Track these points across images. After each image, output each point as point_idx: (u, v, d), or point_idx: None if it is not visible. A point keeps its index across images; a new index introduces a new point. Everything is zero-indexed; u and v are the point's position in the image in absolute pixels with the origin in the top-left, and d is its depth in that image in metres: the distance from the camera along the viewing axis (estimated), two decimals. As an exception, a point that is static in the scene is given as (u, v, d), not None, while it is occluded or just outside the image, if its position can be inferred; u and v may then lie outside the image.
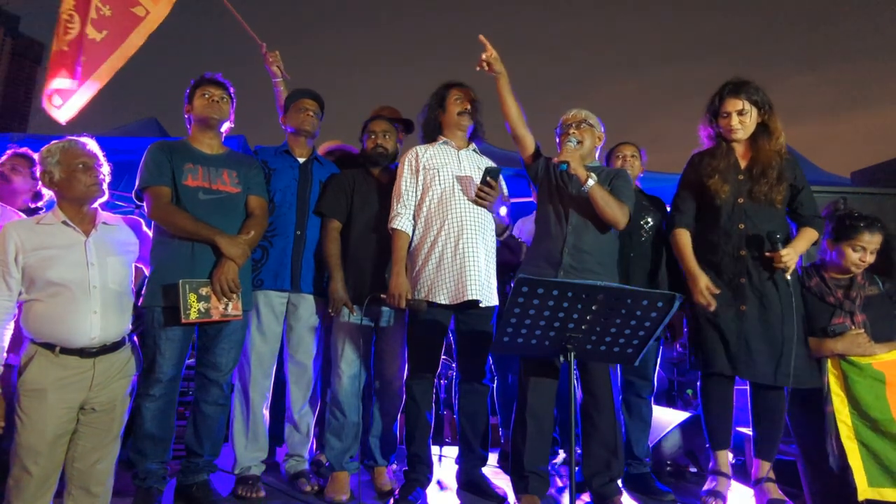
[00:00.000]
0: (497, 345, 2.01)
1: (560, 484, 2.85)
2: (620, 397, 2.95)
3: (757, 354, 2.44)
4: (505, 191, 2.83)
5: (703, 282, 2.50)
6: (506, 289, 2.90)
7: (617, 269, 2.65)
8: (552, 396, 2.54)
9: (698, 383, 2.67)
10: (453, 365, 4.02)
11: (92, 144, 2.16)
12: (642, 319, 1.92)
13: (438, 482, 2.83)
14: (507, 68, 2.57)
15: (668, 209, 2.90)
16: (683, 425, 3.14)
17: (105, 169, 2.16)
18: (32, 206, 2.71)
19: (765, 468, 2.50)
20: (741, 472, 3.03)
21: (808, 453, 2.53)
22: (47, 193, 2.54)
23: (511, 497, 2.53)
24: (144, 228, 2.37)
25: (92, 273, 2.04)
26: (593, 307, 1.89)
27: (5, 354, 1.99)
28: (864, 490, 2.27)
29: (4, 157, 2.66)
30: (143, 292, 2.32)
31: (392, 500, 2.47)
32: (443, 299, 2.51)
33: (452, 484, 2.76)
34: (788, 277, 2.44)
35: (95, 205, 2.16)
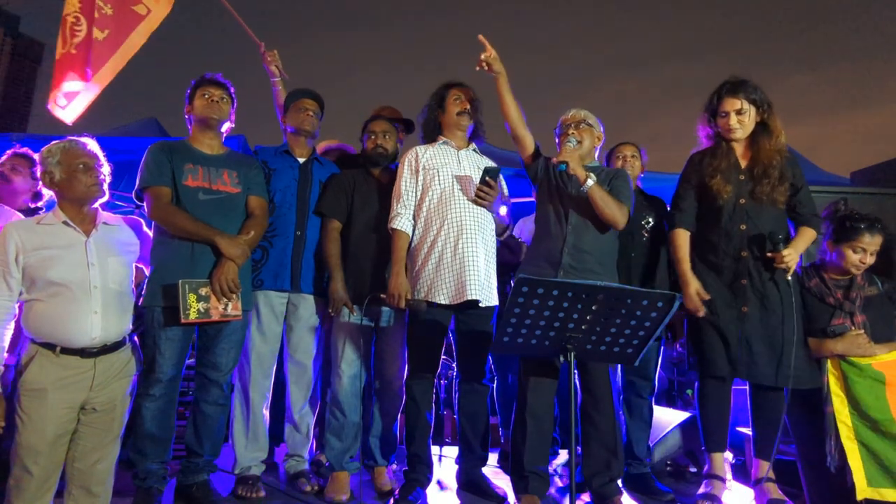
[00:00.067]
0: (497, 345, 2.02)
1: (560, 484, 2.85)
2: (621, 397, 2.95)
3: (758, 356, 2.44)
4: (505, 190, 2.83)
5: (693, 287, 2.50)
6: (506, 289, 2.90)
7: (617, 268, 2.65)
8: (552, 396, 2.54)
9: (696, 384, 2.67)
10: (453, 365, 4.02)
11: (92, 145, 2.16)
12: (642, 319, 1.93)
13: (438, 482, 2.83)
14: (506, 68, 2.57)
15: (669, 209, 2.89)
16: (683, 425, 3.14)
17: (105, 169, 2.16)
18: (32, 206, 2.71)
19: (764, 468, 2.50)
20: (741, 472, 3.03)
21: (807, 453, 2.53)
22: (47, 193, 2.54)
23: (511, 497, 2.53)
24: (145, 228, 2.37)
25: (92, 273, 2.04)
26: (593, 307, 1.89)
27: (5, 354, 1.99)
28: (862, 489, 2.27)
29: (4, 157, 2.66)
30: (142, 292, 2.32)
31: (392, 500, 2.47)
32: (442, 299, 2.51)
33: (452, 484, 2.76)
34: (789, 278, 2.44)
35: (96, 205, 2.16)
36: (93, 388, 2.03)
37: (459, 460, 2.73)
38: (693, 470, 3.13)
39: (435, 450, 3.02)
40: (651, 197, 3.08)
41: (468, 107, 2.71)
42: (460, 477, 2.72)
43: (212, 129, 2.52)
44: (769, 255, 2.44)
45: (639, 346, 2.01)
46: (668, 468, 3.15)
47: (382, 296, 2.52)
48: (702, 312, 2.51)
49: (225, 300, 2.31)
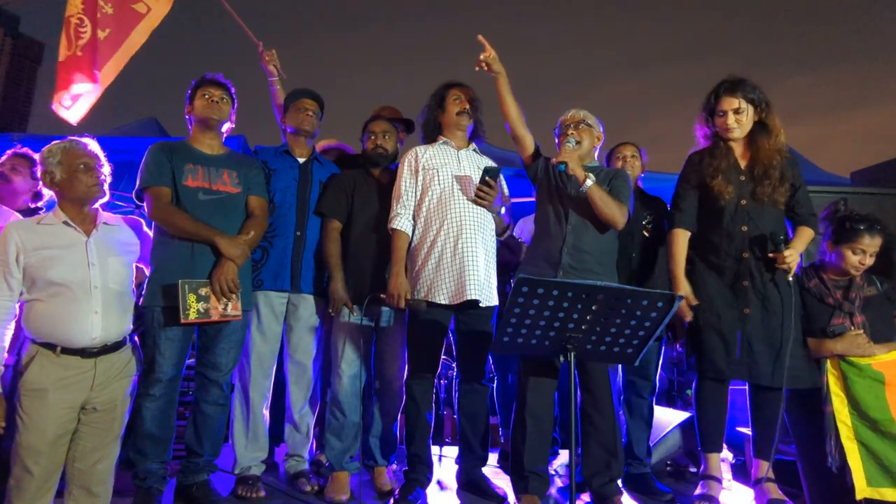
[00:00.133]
0: (497, 345, 2.02)
1: (560, 484, 2.86)
2: (622, 397, 2.96)
3: (758, 356, 2.43)
4: (505, 190, 2.83)
5: (683, 291, 2.50)
6: (506, 289, 2.90)
7: (617, 268, 2.65)
8: (552, 396, 2.54)
9: (694, 384, 2.66)
10: (453, 365, 4.02)
11: (93, 145, 2.16)
12: (642, 319, 1.93)
13: (438, 482, 2.83)
14: (506, 68, 2.57)
15: (669, 209, 2.89)
16: (683, 425, 3.14)
17: (106, 169, 2.16)
18: (32, 206, 2.71)
19: (764, 468, 2.50)
20: (741, 472, 3.04)
21: (807, 453, 2.53)
22: (47, 193, 2.54)
23: (511, 497, 2.53)
24: (145, 228, 2.38)
25: (93, 273, 2.04)
26: (593, 307, 1.89)
27: (5, 354, 1.99)
28: (862, 489, 2.28)
29: (4, 157, 2.66)
30: (143, 292, 2.32)
31: (392, 500, 2.48)
32: (442, 299, 2.51)
33: (452, 484, 2.76)
34: (790, 279, 2.44)
35: (96, 205, 2.17)
36: (93, 389, 2.03)
37: (459, 460, 2.73)
38: (693, 470, 3.13)
39: (435, 450, 3.02)
40: (651, 197, 3.09)
41: (467, 106, 2.71)
42: (460, 477, 2.72)
43: (212, 129, 2.52)
44: (771, 255, 2.43)
45: (639, 346, 2.01)
46: (668, 468, 3.16)
47: (382, 296, 2.52)
48: (689, 317, 2.53)
49: (225, 300, 2.31)
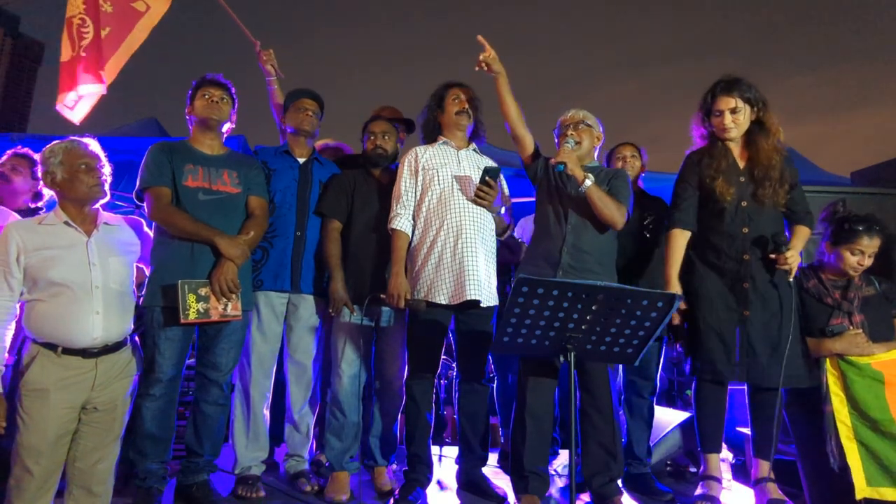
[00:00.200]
0: (497, 345, 2.02)
1: (560, 484, 2.86)
2: (623, 397, 2.96)
3: (758, 358, 2.43)
4: (506, 190, 2.83)
5: (674, 292, 2.49)
6: (506, 289, 2.90)
7: (617, 269, 2.65)
8: (551, 396, 2.54)
9: (693, 384, 2.65)
10: (453, 365, 4.02)
11: (94, 145, 2.16)
12: (642, 319, 1.93)
13: (438, 482, 2.83)
14: (506, 68, 2.57)
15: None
16: (683, 425, 3.14)
17: (107, 169, 2.16)
18: (33, 206, 2.71)
19: (764, 467, 2.50)
20: (741, 472, 3.03)
21: (807, 453, 2.53)
22: (47, 193, 2.54)
23: (511, 497, 2.53)
24: (146, 228, 2.38)
25: (94, 273, 2.04)
26: (593, 307, 1.89)
27: (6, 355, 1.99)
28: (861, 489, 2.28)
29: (5, 158, 2.66)
30: (143, 292, 2.32)
31: (392, 500, 2.48)
32: (442, 299, 2.51)
33: (452, 484, 2.76)
34: (791, 279, 2.44)
35: (97, 205, 2.17)
36: (94, 389, 2.03)
37: (459, 460, 2.73)
38: (693, 470, 3.13)
39: (435, 450, 3.02)
40: (652, 197, 3.08)
41: (466, 106, 2.71)
42: (460, 477, 2.73)
43: (212, 129, 2.52)
44: (772, 256, 2.42)
45: (639, 346, 2.01)
46: (668, 468, 3.15)
47: (382, 296, 2.52)
48: (677, 321, 2.54)
49: (224, 300, 2.31)
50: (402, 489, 2.52)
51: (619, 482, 2.50)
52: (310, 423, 2.79)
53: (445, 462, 3.20)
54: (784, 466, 2.65)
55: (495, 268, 2.68)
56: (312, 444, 2.86)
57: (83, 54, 3.33)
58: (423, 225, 2.62)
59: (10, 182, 2.62)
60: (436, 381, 2.93)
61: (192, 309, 2.24)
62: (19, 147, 2.75)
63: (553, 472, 2.91)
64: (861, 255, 2.46)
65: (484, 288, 2.53)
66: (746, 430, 2.82)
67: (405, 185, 2.66)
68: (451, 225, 2.55)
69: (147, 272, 2.37)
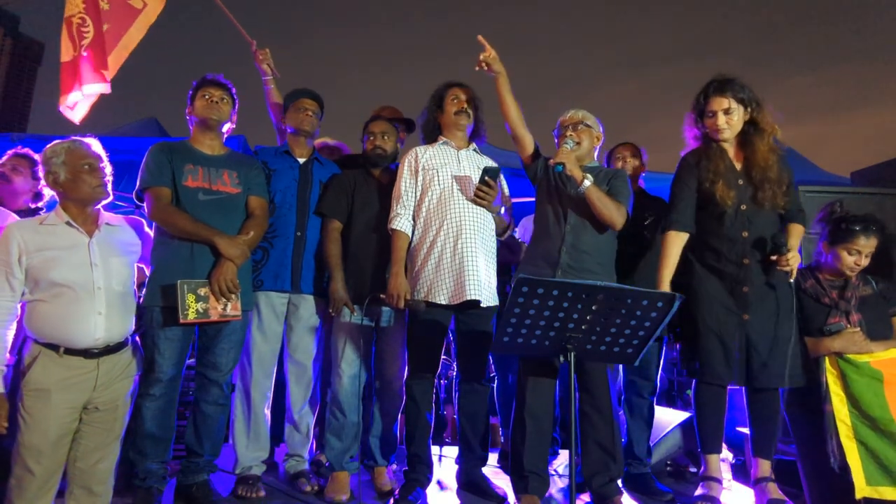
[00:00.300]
0: (497, 345, 2.02)
1: (561, 484, 2.86)
2: (623, 397, 2.96)
3: (757, 360, 2.43)
4: (506, 190, 2.83)
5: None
6: (506, 289, 2.90)
7: (617, 269, 2.65)
8: (551, 396, 2.54)
9: (693, 385, 2.65)
10: (453, 365, 4.02)
11: (96, 145, 2.17)
12: (642, 319, 1.93)
13: (438, 482, 2.83)
14: (506, 68, 2.57)
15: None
16: (683, 425, 3.14)
17: (108, 169, 2.17)
18: (33, 206, 2.71)
19: (764, 467, 2.49)
20: (741, 472, 3.04)
21: (807, 453, 2.53)
22: (47, 194, 2.54)
23: (511, 497, 2.53)
24: (146, 229, 2.38)
25: (96, 274, 2.05)
26: (593, 307, 1.89)
27: (7, 355, 1.99)
28: (861, 488, 2.28)
29: (5, 158, 2.66)
30: (142, 292, 2.32)
31: (392, 500, 2.48)
32: (442, 299, 2.51)
33: (452, 484, 2.77)
34: (791, 280, 2.44)
35: (99, 206, 2.17)
36: (96, 389, 2.03)
37: (459, 460, 2.73)
38: (693, 470, 3.13)
39: (435, 450, 3.03)
40: (653, 197, 3.08)
41: (465, 106, 2.71)
42: (460, 477, 2.73)
43: (212, 129, 2.52)
44: (773, 258, 2.41)
45: (639, 346, 2.01)
46: (668, 468, 3.16)
47: (382, 296, 2.52)
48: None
49: (224, 300, 2.31)
50: (402, 489, 2.53)
51: (619, 482, 2.50)
52: (310, 423, 2.79)
53: (445, 462, 3.20)
54: (784, 466, 2.65)
55: (495, 268, 2.67)
56: (312, 444, 2.87)
57: (84, 53, 3.31)
58: (423, 225, 2.62)
59: (11, 182, 2.62)
60: (436, 381, 2.93)
61: (192, 309, 2.24)
62: (19, 147, 2.75)
63: (553, 472, 2.91)
64: (858, 254, 2.47)
65: (484, 288, 2.53)
66: (746, 430, 2.82)
67: (405, 185, 2.66)
68: (451, 225, 2.56)
69: (147, 272, 2.37)
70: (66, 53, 3.37)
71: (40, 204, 2.72)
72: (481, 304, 2.52)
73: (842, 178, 5.16)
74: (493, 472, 2.94)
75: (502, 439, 3.28)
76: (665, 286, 2.48)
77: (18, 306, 2.02)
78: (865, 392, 2.34)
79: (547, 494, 2.52)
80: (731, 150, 2.57)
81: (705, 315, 2.49)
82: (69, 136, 2.17)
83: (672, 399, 4.69)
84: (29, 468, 1.93)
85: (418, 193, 2.66)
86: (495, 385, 3.29)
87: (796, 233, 2.54)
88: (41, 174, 2.12)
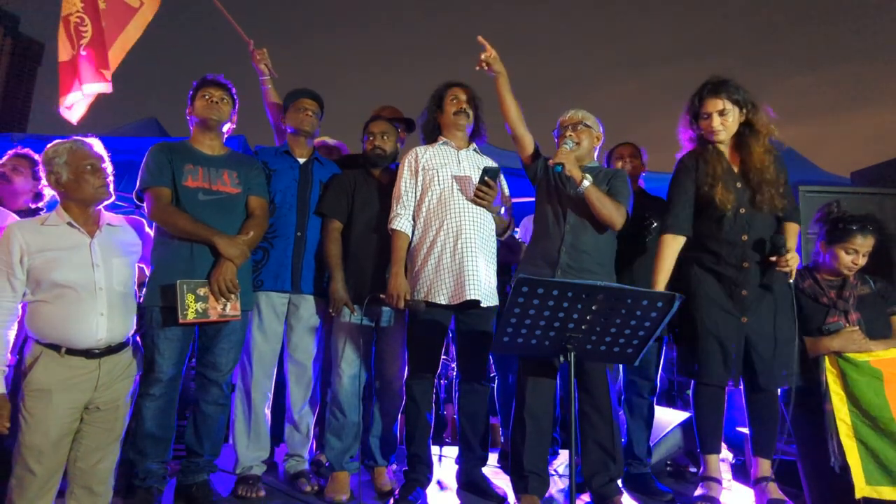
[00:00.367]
0: (497, 345, 2.02)
1: (561, 484, 2.86)
2: (623, 397, 2.96)
3: (755, 362, 2.43)
4: (506, 190, 2.83)
5: None
6: (506, 289, 2.90)
7: (618, 269, 2.64)
8: (551, 396, 2.54)
9: (692, 386, 2.65)
10: (453, 365, 4.02)
11: (98, 145, 2.16)
12: (642, 319, 1.93)
13: (438, 482, 2.83)
14: (506, 68, 2.57)
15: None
16: (683, 425, 3.14)
17: (110, 170, 2.17)
18: (33, 206, 2.71)
19: (764, 466, 2.50)
20: (741, 472, 3.04)
21: (808, 453, 2.53)
22: (47, 194, 2.54)
23: (511, 497, 2.53)
24: (147, 229, 2.38)
25: (97, 275, 2.05)
26: (593, 307, 1.89)
27: (9, 355, 1.99)
28: (861, 488, 2.28)
29: (5, 158, 2.66)
30: (143, 292, 2.32)
31: (392, 500, 2.48)
32: (442, 299, 2.51)
33: (452, 484, 2.77)
34: (791, 281, 2.44)
35: (100, 206, 2.17)
36: (97, 389, 2.04)
37: (459, 460, 2.73)
38: (693, 470, 3.13)
39: (435, 450, 3.03)
40: (653, 197, 3.08)
41: (464, 106, 2.71)
42: (460, 477, 2.73)
43: (211, 129, 2.52)
44: (772, 259, 2.41)
45: (639, 346, 2.01)
46: (668, 468, 3.16)
47: (382, 296, 2.52)
48: None
49: (223, 300, 2.31)
50: (402, 489, 2.53)
51: (619, 482, 2.50)
52: (310, 423, 2.79)
53: (445, 462, 3.20)
54: (784, 466, 2.65)
55: (495, 268, 2.67)
56: (312, 444, 2.87)
57: (83, 53, 3.29)
58: (423, 225, 2.62)
59: (11, 182, 2.62)
60: (436, 381, 2.93)
61: (191, 309, 2.24)
62: (20, 147, 2.75)
63: (553, 472, 2.91)
64: (855, 254, 2.48)
65: (484, 288, 2.53)
66: (746, 431, 2.83)
67: (405, 185, 2.66)
68: (451, 225, 2.56)
69: (148, 272, 2.37)
70: (65, 53, 3.34)
71: (40, 204, 2.72)
72: (481, 304, 2.53)
73: (842, 178, 5.16)
74: (493, 472, 2.94)
75: (502, 439, 3.28)
76: (660, 290, 2.47)
77: (19, 307, 2.02)
78: (865, 391, 2.35)
79: (547, 494, 2.52)
80: (726, 151, 2.56)
81: (704, 317, 2.48)
82: (70, 136, 2.17)
83: (672, 399, 4.69)
84: (30, 468, 1.93)
85: (418, 193, 2.66)
86: (495, 385, 3.29)
87: (792, 231, 2.54)
88: (43, 174, 2.12)
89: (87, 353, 2.01)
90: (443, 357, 2.89)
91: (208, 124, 2.50)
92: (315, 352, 2.76)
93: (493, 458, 3.09)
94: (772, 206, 2.46)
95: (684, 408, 4.07)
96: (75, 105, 3.33)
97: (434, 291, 2.53)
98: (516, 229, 3.50)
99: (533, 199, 2.79)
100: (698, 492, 2.52)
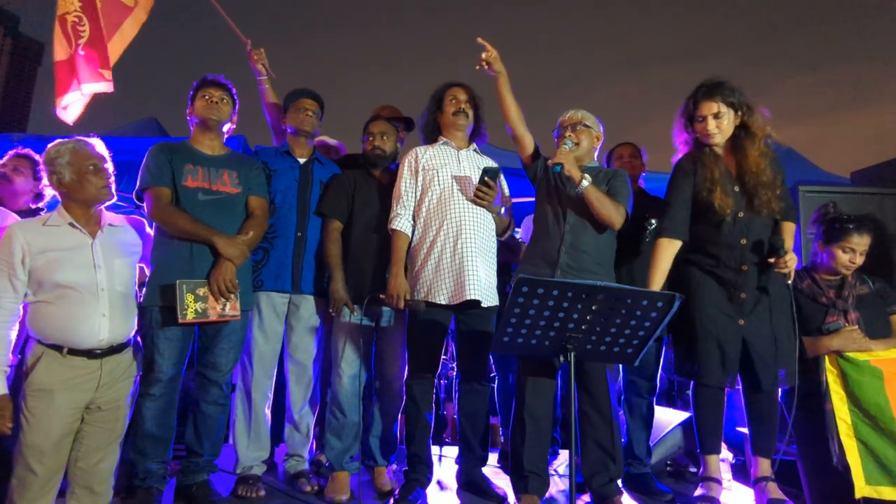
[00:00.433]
0: (497, 345, 2.02)
1: (561, 484, 2.86)
2: (623, 397, 2.95)
3: (754, 363, 2.44)
4: (506, 190, 2.83)
5: None
6: (506, 289, 2.90)
7: (618, 269, 2.64)
8: (551, 396, 2.54)
9: (691, 387, 2.65)
10: (453, 365, 4.02)
11: (100, 146, 2.16)
12: (642, 319, 1.93)
13: (438, 482, 2.83)
14: (506, 68, 2.57)
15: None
16: (684, 425, 3.14)
17: (111, 170, 2.17)
18: (33, 206, 2.71)
19: (764, 466, 2.50)
20: (741, 472, 3.04)
21: (808, 452, 2.53)
22: (48, 194, 2.54)
23: (511, 497, 2.53)
24: (148, 229, 2.38)
25: (99, 276, 2.05)
26: (593, 307, 1.89)
27: (10, 356, 1.99)
28: (861, 487, 2.28)
29: (6, 158, 2.66)
30: (142, 292, 2.32)
31: (392, 500, 2.48)
32: (442, 299, 2.51)
33: (452, 484, 2.77)
34: (789, 282, 2.44)
35: (102, 206, 2.16)
36: (99, 389, 2.04)
37: (459, 460, 2.73)
38: (693, 470, 3.13)
39: (435, 450, 3.03)
40: (653, 197, 3.08)
41: (463, 106, 2.71)
42: (460, 477, 2.73)
43: (211, 129, 2.52)
44: (770, 261, 2.41)
45: (639, 346, 2.01)
46: (668, 468, 3.16)
47: (382, 296, 2.52)
48: None
49: (223, 300, 2.31)
50: (402, 489, 2.53)
51: (619, 482, 2.50)
52: (310, 423, 2.79)
53: (445, 462, 3.20)
54: (784, 466, 2.65)
55: (495, 268, 2.68)
56: (312, 444, 2.87)
57: (82, 52, 3.26)
58: (423, 225, 2.62)
59: (12, 182, 2.62)
60: (436, 381, 2.93)
61: (190, 309, 2.24)
62: (20, 147, 2.74)
63: (553, 473, 2.91)
64: (852, 252, 2.49)
65: (484, 288, 2.53)
66: (746, 430, 2.83)
67: (405, 185, 2.66)
68: (451, 225, 2.56)
69: (148, 272, 2.37)
70: (61, 52, 3.29)
71: (41, 204, 2.72)
72: (481, 304, 2.53)
73: (842, 178, 5.15)
74: (493, 472, 2.94)
75: (502, 439, 3.28)
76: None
77: (21, 307, 2.02)
78: (866, 390, 2.35)
79: (547, 494, 2.52)
80: (722, 154, 2.54)
81: (704, 319, 2.48)
82: (72, 136, 2.16)
83: (672, 399, 4.69)
84: (31, 468, 1.93)
85: (418, 194, 2.66)
86: (495, 385, 3.29)
87: (789, 230, 2.53)
88: (45, 175, 2.11)
89: (89, 354, 2.01)
90: (443, 357, 2.89)
91: (208, 124, 2.50)
92: (315, 352, 2.76)
93: (493, 458, 3.09)
94: (769, 209, 2.45)
95: (684, 408, 4.07)
96: (71, 105, 3.30)
97: (434, 291, 2.53)
98: (517, 229, 3.50)
99: (533, 199, 2.79)
100: (698, 492, 2.52)
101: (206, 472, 2.47)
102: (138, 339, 2.26)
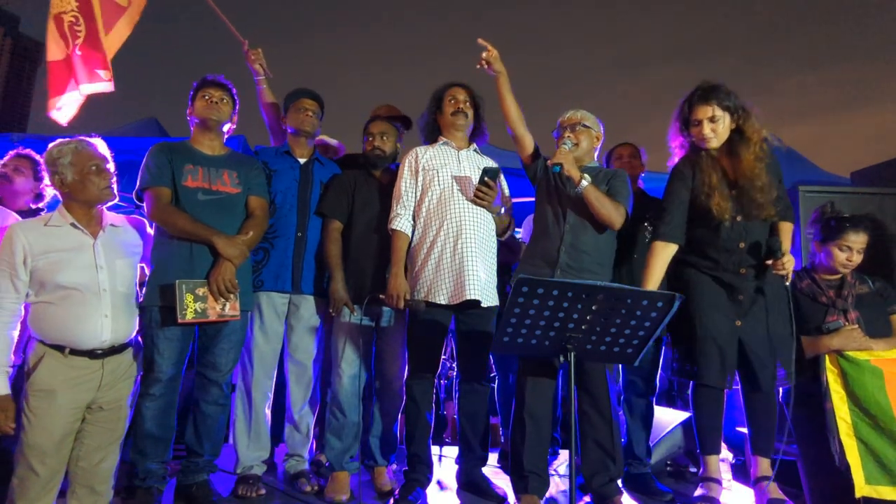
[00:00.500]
0: (497, 345, 2.02)
1: (561, 486, 2.85)
2: (623, 397, 2.96)
3: (753, 364, 2.44)
4: (506, 190, 2.84)
5: None
6: (506, 289, 2.90)
7: (618, 269, 2.64)
8: (551, 396, 2.54)
9: (691, 387, 2.64)
10: (453, 365, 4.02)
11: (102, 146, 2.16)
12: (642, 319, 1.93)
13: (438, 482, 2.83)
14: (507, 68, 2.57)
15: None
16: (684, 425, 3.14)
17: (113, 170, 2.17)
18: (34, 206, 2.71)
19: (764, 465, 2.50)
20: (741, 472, 3.04)
21: (808, 452, 2.53)
22: (48, 194, 2.54)
23: (511, 497, 2.53)
24: (148, 229, 2.38)
25: (101, 276, 2.05)
26: (593, 307, 1.89)
27: (12, 356, 1.99)
28: (860, 487, 2.28)
29: (7, 158, 2.67)
30: (142, 292, 2.33)
31: (392, 500, 2.48)
32: (442, 299, 2.51)
33: (452, 484, 2.77)
34: (788, 284, 2.45)
35: (103, 206, 2.17)
36: (100, 389, 2.04)
37: (459, 460, 2.73)
38: (693, 470, 3.13)
39: (435, 450, 3.03)
40: (652, 197, 3.08)
41: (462, 107, 2.71)
42: (460, 477, 2.73)
43: (211, 130, 2.52)
44: (768, 262, 2.41)
45: (639, 346, 2.01)
46: (668, 468, 3.16)
47: (382, 296, 2.53)
48: None
49: (222, 300, 2.31)
50: (402, 489, 2.53)
51: (619, 482, 2.50)
52: (310, 423, 2.79)
53: (445, 462, 3.21)
54: (784, 466, 2.65)
55: (495, 268, 2.68)
56: (312, 444, 2.87)
57: (79, 53, 3.22)
58: (423, 225, 2.62)
59: (13, 183, 2.63)
60: (436, 381, 2.93)
61: (190, 309, 2.24)
62: (21, 147, 2.75)
63: (553, 473, 2.91)
64: (849, 251, 2.50)
65: (484, 288, 2.53)
66: (746, 430, 2.83)
67: (405, 185, 2.66)
68: (451, 225, 2.56)
69: (148, 272, 2.37)
70: (57, 52, 3.24)
71: (41, 204, 2.72)
72: (481, 304, 2.53)
73: (842, 178, 5.15)
74: (493, 472, 2.94)
75: (502, 439, 3.28)
76: None
77: (22, 307, 2.02)
78: (866, 390, 2.34)
79: (547, 495, 2.52)
80: (718, 158, 2.52)
81: (704, 320, 2.47)
82: (75, 136, 2.15)
83: (672, 399, 4.69)
84: (33, 468, 1.93)
85: (418, 194, 2.66)
86: (495, 385, 3.29)
87: (787, 231, 2.53)
88: (46, 175, 2.11)
89: (91, 354, 2.01)
90: (443, 357, 2.89)
91: (208, 124, 2.50)
92: (315, 352, 2.77)
93: (493, 458, 3.09)
94: (766, 213, 2.45)
95: (684, 408, 4.07)
96: (66, 106, 3.26)
97: (434, 291, 2.53)
98: (517, 229, 3.50)
99: (533, 199, 2.79)
100: (698, 492, 2.52)
101: (206, 472, 2.47)
102: (139, 338, 2.26)
